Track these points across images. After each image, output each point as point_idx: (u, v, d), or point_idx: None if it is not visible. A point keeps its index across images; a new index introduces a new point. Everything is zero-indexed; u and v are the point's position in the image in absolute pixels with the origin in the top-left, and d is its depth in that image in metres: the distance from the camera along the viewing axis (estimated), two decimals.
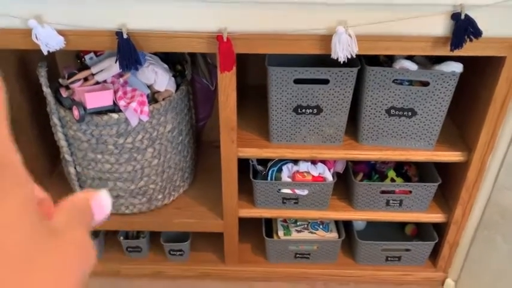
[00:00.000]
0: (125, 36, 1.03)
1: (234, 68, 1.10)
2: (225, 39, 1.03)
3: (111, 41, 1.06)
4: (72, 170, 1.37)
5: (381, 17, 1.00)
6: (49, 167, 1.55)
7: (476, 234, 1.37)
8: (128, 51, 1.05)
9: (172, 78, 1.33)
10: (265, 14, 1.02)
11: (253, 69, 1.57)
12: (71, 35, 1.07)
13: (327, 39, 1.03)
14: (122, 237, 1.51)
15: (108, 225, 1.44)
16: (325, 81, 1.18)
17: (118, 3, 1.02)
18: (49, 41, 1.05)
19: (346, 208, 1.42)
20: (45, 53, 1.06)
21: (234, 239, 1.46)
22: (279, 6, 1.01)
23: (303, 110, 1.23)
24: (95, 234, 1.54)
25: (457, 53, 1.03)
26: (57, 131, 1.30)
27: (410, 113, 1.21)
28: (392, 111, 1.22)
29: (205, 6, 1.01)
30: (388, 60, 1.22)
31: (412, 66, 1.13)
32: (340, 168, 1.41)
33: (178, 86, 1.35)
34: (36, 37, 1.04)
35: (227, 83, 1.13)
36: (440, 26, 1.01)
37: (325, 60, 1.10)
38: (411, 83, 1.18)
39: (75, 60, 1.39)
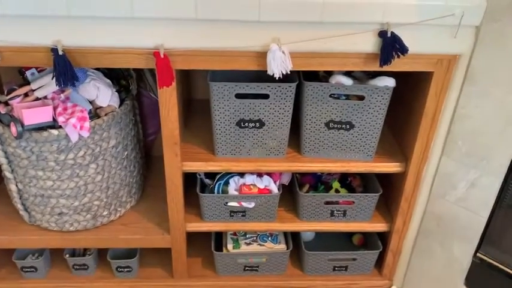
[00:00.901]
0: (60, 52, 1.03)
1: (174, 84, 1.11)
2: (162, 56, 1.04)
3: (47, 58, 1.05)
4: (13, 187, 1.34)
5: (313, 35, 1.04)
6: None
7: (416, 242, 1.42)
8: (64, 67, 1.05)
9: (116, 94, 1.33)
10: (201, 31, 1.04)
11: (200, 84, 1.59)
12: (5, 52, 1.05)
13: (262, 55, 1.06)
14: (67, 255, 1.48)
15: (53, 243, 1.41)
16: (266, 96, 1.21)
17: (53, 20, 1.01)
18: None
19: (293, 219, 1.44)
20: None
21: (182, 254, 1.46)
22: (214, 24, 1.03)
23: (246, 124, 1.25)
24: (40, 252, 1.50)
25: (386, 68, 1.08)
26: None
27: (348, 126, 1.25)
28: (331, 124, 1.25)
29: (141, 22, 1.02)
30: (327, 75, 1.26)
31: (347, 81, 1.18)
32: (286, 180, 1.43)
33: (122, 101, 1.35)
34: None
35: (167, 98, 1.14)
36: (370, 43, 1.06)
37: (267, 75, 1.13)
38: (348, 97, 1.23)
39: (18, 75, 1.37)
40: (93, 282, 1.51)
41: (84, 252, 1.51)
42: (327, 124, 1.25)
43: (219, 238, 1.55)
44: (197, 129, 1.41)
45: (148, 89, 1.54)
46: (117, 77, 1.38)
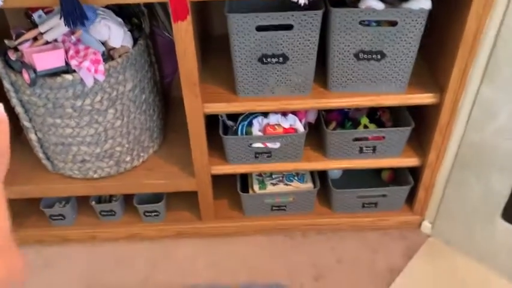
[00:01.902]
0: None
1: (189, 17, 1.02)
2: None
3: None
4: (33, 136, 1.31)
5: None
6: (15, 132, 1.47)
7: (450, 176, 1.36)
8: (72, 5, 0.97)
9: (128, 33, 1.25)
10: None
11: (217, 18, 1.49)
12: None
13: None
14: (94, 202, 1.47)
15: (77, 190, 1.40)
16: (290, 27, 1.12)
17: None
18: None
19: (320, 158, 1.39)
20: None
21: (208, 197, 1.44)
22: None
23: (269, 60, 1.17)
24: (66, 200, 1.50)
25: None
26: (11, 96, 1.23)
27: (379, 56, 1.16)
28: (360, 54, 1.16)
29: None
30: (355, 1, 1.15)
31: (378, 5, 1.07)
32: (312, 118, 1.37)
33: (136, 41, 1.27)
34: None
35: (183, 34, 1.06)
36: None
37: (290, 5, 1.04)
38: (379, 23, 1.12)
39: (25, 19, 1.29)
40: (121, 227, 1.51)
41: (110, 198, 1.50)
42: (356, 55, 1.16)
43: (244, 179, 1.52)
44: (216, 68, 1.34)
45: (162, 27, 1.45)
46: (128, 15, 1.29)
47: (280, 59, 1.17)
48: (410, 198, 1.49)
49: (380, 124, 1.41)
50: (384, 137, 1.33)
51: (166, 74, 1.59)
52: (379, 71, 1.19)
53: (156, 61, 1.44)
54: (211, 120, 1.35)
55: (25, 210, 1.52)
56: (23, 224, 1.51)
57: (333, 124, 1.41)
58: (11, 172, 1.39)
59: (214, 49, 1.42)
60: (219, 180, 1.45)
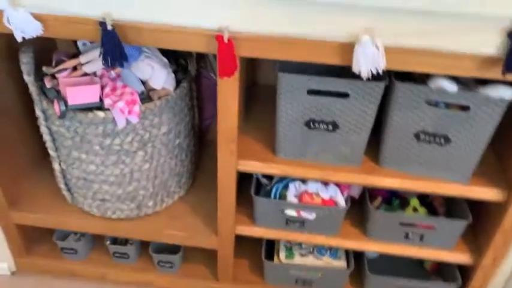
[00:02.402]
0: (109, 27, 0.88)
1: (237, 74, 0.93)
2: (225, 40, 0.86)
3: (96, 32, 0.91)
4: (56, 166, 1.24)
5: (418, 28, 0.81)
6: (41, 158, 1.42)
7: (508, 284, 1.17)
8: (112, 44, 0.90)
9: (172, 74, 1.17)
10: (276, 12, 0.84)
11: (264, 67, 1.39)
12: (50, 21, 0.92)
13: (348, 48, 0.85)
14: (109, 242, 1.38)
15: (93, 228, 1.31)
16: (345, 95, 1.00)
17: None
18: (24, 27, 0.90)
19: (359, 237, 1.25)
20: (19, 39, 0.91)
21: (228, 258, 1.31)
22: (293, 5, 0.82)
23: (316, 125, 1.06)
24: (81, 234, 1.42)
25: (510, 77, 0.83)
26: (40, 123, 1.17)
27: (443, 140, 1.02)
28: (421, 135, 1.03)
29: None
30: (424, 77, 1.02)
31: (451, 86, 0.93)
32: (355, 192, 1.23)
33: (179, 83, 1.19)
34: (9, 21, 0.89)
35: (227, 90, 0.97)
36: (492, 44, 0.81)
37: (345, 70, 0.92)
38: (448, 105, 0.99)
39: (72, 43, 1.25)
40: (134, 272, 1.41)
41: (126, 241, 1.41)
42: (416, 135, 1.03)
43: (271, 242, 1.39)
44: (257, 121, 1.23)
45: (209, 69, 1.37)
46: (175, 55, 1.22)
47: (330, 126, 1.05)
48: None
49: (431, 209, 1.25)
50: (434, 226, 1.17)
51: (206, 117, 1.50)
52: (441, 156, 1.04)
53: (198, 104, 1.35)
54: (243, 173, 1.23)
55: (39, 238, 1.45)
56: (34, 252, 1.44)
57: (379, 200, 1.26)
58: (29, 197, 1.34)
59: (258, 98, 1.33)
60: (242, 238, 1.33)
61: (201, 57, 1.33)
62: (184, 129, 1.26)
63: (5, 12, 0.88)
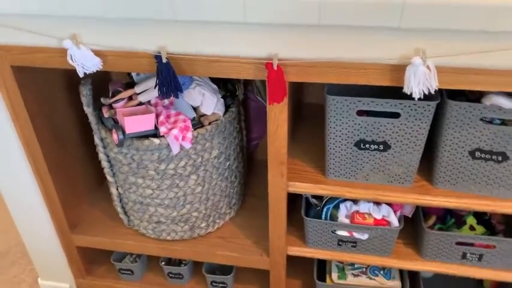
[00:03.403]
0: (164, 60, 0.92)
1: (286, 99, 0.95)
2: (275, 67, 0.88)
3: (151, 64, 0.95)
4: (114, 191, 1.30)
5: (469, 47, 0.80)
6: (97, 182, 1.50)
7: None
8: (167, 76, 0.94)
9: (221, 100, 1.21)
10: (323, 38, 0.85)
11: (311, 86, 1.40)
12: (109, 56, 0.97)
13: (399, 69, 0.85)
14: (163, 263, 1.42)
15: (149, 250, 1.36)
16: (396, 115, 0.99)
17: (158, 24, 0.91)
18: (85, 63, 0.96)
19: (413, 257, 1.22)
20: (81, 74, 0.97)
21: (281, 278, 1.32)
22: (340, 31, 0.84)
23: (367, 146, 1.05)
24: (138, 255, 1.47)
25: None
26: (99, 151, 1.23)
27: (500, 158, 0.99)
28: (477, 153, 1.00)
29: (253, 29, 0.87)
30: (476, 92, 1.00)
31: (507, 103, 0.91)
32: (408, 211, 1.21)
33: (228, 107, 1.23)
34: (72, 58, 0.96)
35: (277, 114, 0.99)
36: None
37: (395, 88, 0.92)
38: (504, 121, 0.96)
39: (126, 74, 1.31)
40: None
41: (180, 261, 1.44)
42: (471, 153, 1.00)
43: (322, 262, 1.38)
44: (306, 142, 1.25)
45: (256, 92, 1.40)
46: (223, 81, 1.25)
47: (381, 146, 1.05)
48: None
49: (489, 227, 1.20)
50: (494, 246, 1.13)
51: (253, 137, 1.53)
52: (498, 173, 1.01)
53: (245, 127, 1.38)
54: (290, 194, 1.24)
55: (97, 259, 1.51)
56: (93, 273, 1.50)
57: (433, 219, 1.23)
58: (88, 221, 1.41)
59: (304, 117, 1.34)
60: (294, 258, 1.33)
61: (248, 81, 1.37)
62: (233, 152, 1.29)
63: (69, 51, 0.94)
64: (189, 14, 0.86)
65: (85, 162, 1.41)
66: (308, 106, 1.41)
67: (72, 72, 0.98)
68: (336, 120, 1.03)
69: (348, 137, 1.05)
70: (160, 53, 0.92)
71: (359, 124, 1.02)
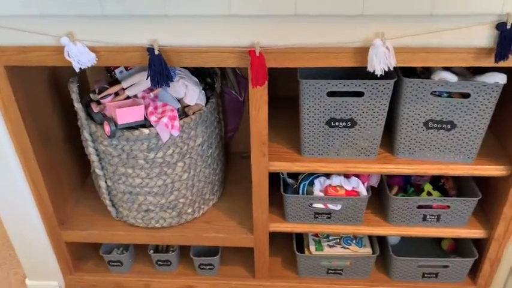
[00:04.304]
0: (156, 52, 1.02)
1: (266, 83, 1.07)
2: (257, 54, 1.01)
3: (143, 57, 1.05)
4: (102, 184, 1.37)
5: (421, 29, 0.96)
6: (80, 178, 1.55)
7: None
8: (160, 67, 1.04)
9: (203, 92, 1.32)
10: (299, 27, 0.99)
11: (283, 80, 1.54)
12: (102, 52, 1.06)
13: (362, 51, 1.00)
14: (151, 251, 1.50)
15: (138, 239, 1.43)
16: (360, 94, 1.15)
17: (149, 20, 1.01)
18: (81, 58, 1.04)
19: (381, 223, 1.37)
20: (77, 70, 1.05)
21: (264, 254, 1.43)
22: (313, 19, 0.98)
23: (336, 123, 1.20)
24: (125, 247, 1.53)
25: (502, 64, 0.98)
26: (88, 145, 1.30)
27: (449, 126, 1.16)
28: (430, 124, 1.17)
29: (236, 20, 0.99)
30: (426, 71, 1.17)
31: (452, 77, 1.09)
32: (374, 181, 1.36)
33: (207, 99, 1.34)
34: (69, 54, 1.04)
35: (258, 97, 1.11)
36: (484, 37, 0.97)
37: (358, 71, 1.07)
38: (450, 94, 1.13)
39: (105, 74, 1.39)
40: (176, 278, 1.52)
41: (167, 248, 1.52)
42: (425, 123, 1.17)
43: (299, 238, 1.51)
44: (281, 128, 1.37)
45: (230, 86, 1.52)
46: (202, 74, 1.37)
47: (348, 123, 1.20)
48: (473, 271, 1.43)
49: (443, 192, 1.38)
50: (448, 206, 1.31)
51: (228, 130, 1.64)
52: (448, 140, 1.19)
53: (223, 118, 1.50)
54: (270, 177, 1.37)
55: (86, 254, 1.56)
56: (81, 268, 1.55)
57: (395, 189, 1.40)
58: (76, 216, 1.46)
59: (279, 108, 1.47)
60: (274, 237, 1.45)
61: (223, 76, 1.48)
62: (214, 141, 1.40)
63: (66, 47, 1.03)
64: (179, 9, 0.97)
65: (70, 160, 1.47)
66: (282, 99, 1.53)
67: (56, 71, 1.05)
68: (308, 102, 1.17)
69: (320, 116, 1.19)
70: (152, 45, 1.02)
71: (329, 104, 1.17)
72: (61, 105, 1.39)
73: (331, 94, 1.15)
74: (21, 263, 1.51)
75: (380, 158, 1.25)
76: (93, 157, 1.32)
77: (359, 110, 1.17)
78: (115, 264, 1.51)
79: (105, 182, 1.36)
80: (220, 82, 1.45)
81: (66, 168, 1.47)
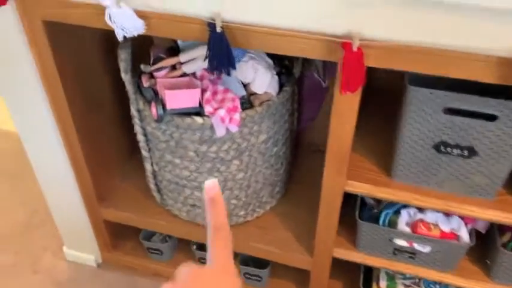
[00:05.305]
0: (218, 29, 0.76)
1: (360, 89, 0.78)
2: (355, 49, 0.71)
3: (202, 32, 0.80)
4: (148, 166, 1.18)
5: None
6: (129, 153, 1.38)
7: None
8: (220, 48, 0.78)
9: (276, 77, 1.05)
10: (418, 17, 0.67)
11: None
12: (153, 19, 0.82)
13: (506, 63, 0.66)
14: (195, 247, 1.32)
15: (181, 232, 1.25)
16: (492, 118, 0.81)
17: None
18: (125, 24, 0.82)
19: (480, 276, 1.06)
20: (120, 38, 0.83)
21: (323, 280, 1.19)
22: (438, 9, 0.65)
23: (448, 149, 0.88)
24: (168, 236, 1.36)
25: None
26: (135, 123, 1.11)
27: None
28: None
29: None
30: None
31: None
32: (482, 226, 1.04)
33: (281, 86, 1.07)
34: (110, 18, 0.81)
35: (345, 107, 0.82)
36: None
37: (487, 88, 0.74)
38: None
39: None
40: None
41: None
42: None
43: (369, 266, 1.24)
44: (370, 134, 1.07)
45: (313, 68, 1.23)
46: (279, 56, 1.08)
47: (465, 152, 0.87)
48: None
49: None
50: None
51: (304, 119, 1.36)
52: None
53: (297, 108, 1.22)
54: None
55: (124, 235, 1.42)
56: (120, 248, 1.42)
57: (508, 236, 1.06)
58: (118, 194, 1.30)
59: (371, 105, 1.15)
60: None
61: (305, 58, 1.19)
62: (282, 137, 1.14)
63: (108, 9, 0.80)
64: None
65: (118, 133, 1.29)
66: (377, 90, 1.22)
67: (111, 33, 0.84)
68: (415, 116, 0.86)
69: (427, 137, 0.88)
70: (214, 20, 0.76)
71: (443, 123, 0.85)
72: (114, 73, 1.19)
73: (449, 111, 0.83)
74: (59, 230, 1.40)
75: (498, 201, 0.92)
76: (140, 137, 1.12)
77: (485, 137, 0.84)
78: (154, 252, 1.35)
79: (151, 165, 1.17)
80: (302, 65, 1.16)
81: (114, 141, 1.29)
